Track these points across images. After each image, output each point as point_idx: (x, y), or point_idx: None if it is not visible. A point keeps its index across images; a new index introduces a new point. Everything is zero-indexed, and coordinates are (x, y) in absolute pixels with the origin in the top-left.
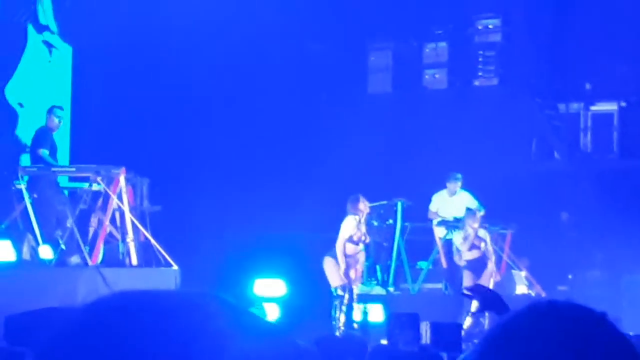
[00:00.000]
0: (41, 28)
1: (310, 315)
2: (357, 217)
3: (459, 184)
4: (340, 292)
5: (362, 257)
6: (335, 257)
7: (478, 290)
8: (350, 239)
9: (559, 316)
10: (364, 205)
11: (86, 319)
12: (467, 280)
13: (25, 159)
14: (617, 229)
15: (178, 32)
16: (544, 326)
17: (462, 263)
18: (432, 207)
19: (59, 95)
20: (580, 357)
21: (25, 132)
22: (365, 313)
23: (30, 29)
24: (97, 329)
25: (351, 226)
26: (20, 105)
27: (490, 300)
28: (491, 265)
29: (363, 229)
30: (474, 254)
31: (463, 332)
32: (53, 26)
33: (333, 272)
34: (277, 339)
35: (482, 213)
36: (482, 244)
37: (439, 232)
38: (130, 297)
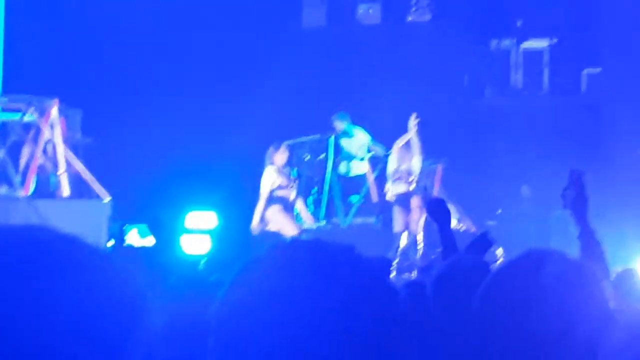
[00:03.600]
0: None
1: (243, 248)
2: (273, 166)
3: (338, 121)
4: None
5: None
6: (277, 202)
7: (428, 198)
8: (280, 187)
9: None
10: (280, 157)
11: None
12: (397, 215)
13: None
14: (546, 165)
15: None
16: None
17: (389, 197)
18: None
19: None
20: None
21: None
22: None
23: None
24: None
25: (271, 178)
26: None
27: (436, 207)
28: (417, 200)
29: (282, 177)
30: (402, 188)
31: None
32: None
33: (283, 221)
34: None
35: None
36: (412, 178)
37: (365, 167)
38: None
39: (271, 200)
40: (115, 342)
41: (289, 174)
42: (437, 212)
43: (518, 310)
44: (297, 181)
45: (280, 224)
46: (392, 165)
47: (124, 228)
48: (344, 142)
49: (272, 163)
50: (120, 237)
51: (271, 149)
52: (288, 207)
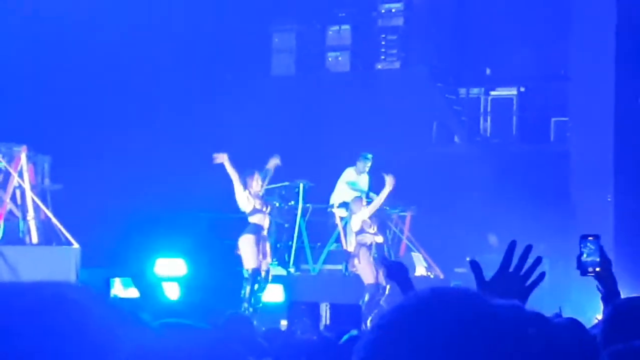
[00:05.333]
0: None
1: (212, 295)
2: (245, 191)
3: (369, 164)
4: (249, 275)
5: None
6: (252, 232)
7: (387, 261)
8: (254, 210)
9: (451, 303)
10: (254, 184)
11: None
12: (365, 265)
13: None
14: (514, 213)
15: (80, 8)
16: (436, 314)
17: (350, 249)
18: (345, 178)
19: None
20: (471, 346)
21: None
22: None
23: None
24: None
25: (242, 195)
26: None
27: (396, 271)
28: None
29: (257, 200)
30: (367, 239)
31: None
32: None
33: (248, 252)
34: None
35: (365, 201)
36: (373, 229)
37: (340, 213)
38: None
39: (247, 227)
40: None
41: (263, 200)
42: (396, 275)
43: None
44: (269, 207)
45: (244, 253)
46: (355, 217)
47: (110, 280)
48: (353, 178)
49: (245, 187)
50: (106, 288)
51: (255, 176)
52: (261, 236)
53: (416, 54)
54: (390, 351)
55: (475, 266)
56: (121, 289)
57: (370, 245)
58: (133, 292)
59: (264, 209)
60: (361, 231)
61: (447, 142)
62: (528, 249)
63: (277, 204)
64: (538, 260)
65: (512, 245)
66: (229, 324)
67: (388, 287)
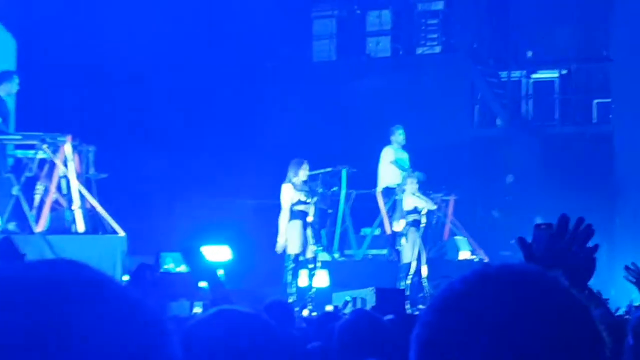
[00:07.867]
0: None
1: (257, 281)
2: (290, 184)
3: (402, 132)
4: (292, 260)
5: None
6: (299, 218)
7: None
8: (298, 202)
9: (511, 281)
10: (301, 173)
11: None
12: (411, 235)
13: None
14: (557, 195)
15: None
16: (495, 293)
17: (399, 228)
18: (387, 158)
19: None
20: (536, 324)
21: None
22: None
23: None
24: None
25: (289, 194)
26: None
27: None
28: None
29: (303, 193)
30: (415, 217)
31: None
32: None
33: (293, 238)
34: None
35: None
36: (424, 210)
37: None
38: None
39: (292, 214)
40: None
41: (308, 190)
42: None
43: None
44: (315, 197)
45: (290, 238)
46: (409, 201)
47: (161, 255)
48: (398, 153)
49: (289, 180)
50: (157, 263)
51: (292, 165)
52: (307, 223)
53: (457, 37)
54: (447, 335)
55: (522, 242)
56: (172, 265)
57: (419, 224)
58: (184, 268)
59: (309, 200)
60: (413, 211)
61: (489, 126)
62: (579, 222)
63: (320, 190)
64: (588, 232)
65: (564, 219)
66: (269, 310)
67: (424, 267)
